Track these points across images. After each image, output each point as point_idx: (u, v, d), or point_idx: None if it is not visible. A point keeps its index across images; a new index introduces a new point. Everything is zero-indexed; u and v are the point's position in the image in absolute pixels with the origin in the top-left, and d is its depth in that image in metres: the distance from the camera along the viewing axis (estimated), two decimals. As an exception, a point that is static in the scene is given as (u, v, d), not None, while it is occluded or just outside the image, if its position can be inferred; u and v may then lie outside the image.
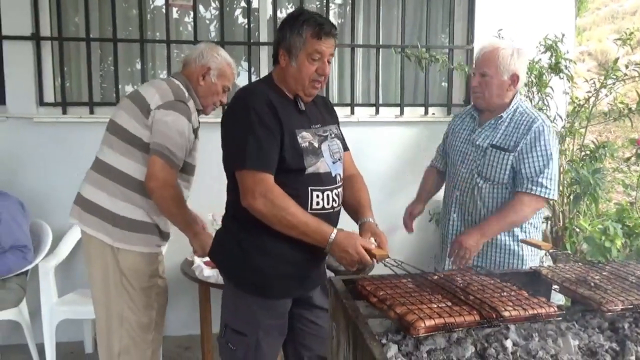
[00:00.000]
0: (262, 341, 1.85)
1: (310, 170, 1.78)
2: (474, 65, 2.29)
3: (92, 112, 3.37)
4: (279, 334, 1.94)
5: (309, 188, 1.78)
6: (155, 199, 2.11)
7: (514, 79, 2.21)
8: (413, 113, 3.71)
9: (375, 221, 1.91)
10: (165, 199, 2.10)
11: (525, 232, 2.28)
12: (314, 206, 1.80)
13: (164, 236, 2.28)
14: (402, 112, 3.66)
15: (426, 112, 3.70)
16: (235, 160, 1.77)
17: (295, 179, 1.76)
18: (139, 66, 3.47)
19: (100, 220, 2.15)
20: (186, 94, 2.20)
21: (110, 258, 2.17)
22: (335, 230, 1.72)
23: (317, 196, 1.79)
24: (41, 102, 3.34)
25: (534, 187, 2.15)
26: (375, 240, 1.82)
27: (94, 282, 2.25)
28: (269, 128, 1.72)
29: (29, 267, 2.92)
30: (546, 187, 2.16)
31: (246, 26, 3.56)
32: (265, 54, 3.54)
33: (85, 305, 2.93)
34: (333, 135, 1.92)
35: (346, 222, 2.03)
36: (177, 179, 2.16)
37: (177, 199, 2.14)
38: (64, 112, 3.34)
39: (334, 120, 2.01)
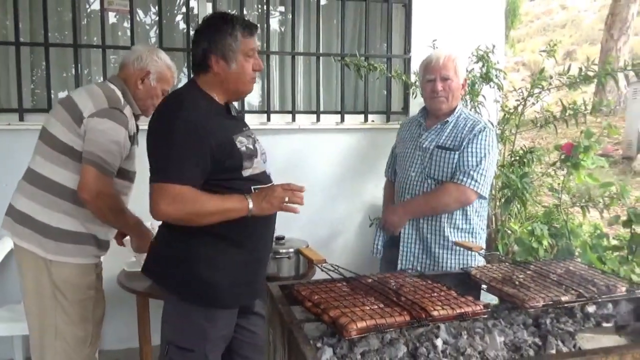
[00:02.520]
0: (210, 354, 1.80)
1: (247, 173, 1.79)
2: (422, 73, 2.40)
3: (22, 119, 3.23)
4: (224, 345, 1.90)
5: (252, 188, 1.78)
6: (91, 209, 2.04)
7: (464, 83, 2.40)
8: (353, 120, 3.77)
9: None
10: (101, 209, 2.05)
11: (473, 233, 2.38)
12: None
13: (102, 245, 2.22)
14: (342, 120, 3.72)
15: (366, 120, 3.77)
16: (153, 171, 1.73)
17: (235, 183, 1.76)
18: (73, 71, 3.36)
19: (32, 232, 2.08)
20: (122, 99, 2.13)
21: (43, 270, 2.09)
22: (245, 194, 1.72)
23: None
24: (-35, 108, 3.18)
25: (463, 178, 2.26)
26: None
27: (26, 294, 2.17)
28: (196, 138, 1.68)
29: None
30: (475, 180, 2.26)
31: (186, 32, 3.52)
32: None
33: (16, 321, 2.79)
34: (256, 138, 1.94)
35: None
36: (114, 186, 2.11)
37: (114, 207, 2.09)
38: (-10, 119, 3.19)
39: None
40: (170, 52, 3.48)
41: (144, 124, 2.50)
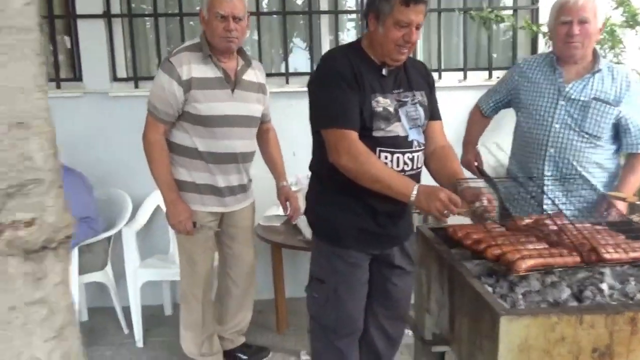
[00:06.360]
0: (340, 287, 1.95)
1: (379, 133, 1.83)
2: (555, 14, 2.18)
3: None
4: (359, 286, 2.00)
5: (377, 149, 1.83)
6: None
7: (602, 27, 2.18)
8: (477, 77, 3.64)
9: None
10: (146, 152, 2.36)
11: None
12: None
13: (221, 192, 2.47)
14: (465, 77, 3.61)
15: (490, 76, 3.62)
16: (320, 120, 1.88)
17: (364, 139, 1.80)
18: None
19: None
20: (175, 50, 2.39)
21: None
22: (417, 184, 1.74)
23: (386, 157, 1.84)
24: (114, 78, 3.48)
25: None
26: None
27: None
28: (351, 88, 1.80)
29: (99, 236, 2.99)
30: None
31: (305, -4, 3.56)
32: (325, 22, 3.54)
33: (165, 268, 3.08)
34: (415, 102, 1.93)
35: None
36: (166, 131, 2.38)
37: (154, 154, 2.35)
38: (136, 87, 3.46)
39: (424, 87, 1.99)
40: (290, 16, 3.57)
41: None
